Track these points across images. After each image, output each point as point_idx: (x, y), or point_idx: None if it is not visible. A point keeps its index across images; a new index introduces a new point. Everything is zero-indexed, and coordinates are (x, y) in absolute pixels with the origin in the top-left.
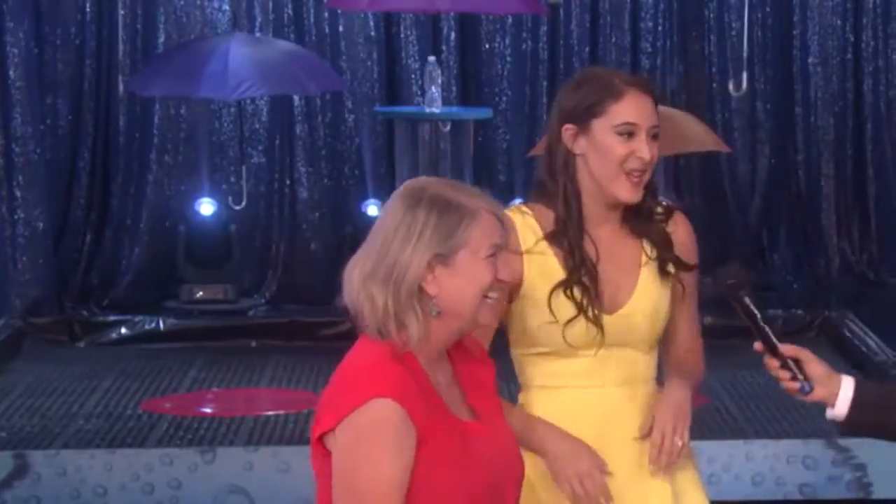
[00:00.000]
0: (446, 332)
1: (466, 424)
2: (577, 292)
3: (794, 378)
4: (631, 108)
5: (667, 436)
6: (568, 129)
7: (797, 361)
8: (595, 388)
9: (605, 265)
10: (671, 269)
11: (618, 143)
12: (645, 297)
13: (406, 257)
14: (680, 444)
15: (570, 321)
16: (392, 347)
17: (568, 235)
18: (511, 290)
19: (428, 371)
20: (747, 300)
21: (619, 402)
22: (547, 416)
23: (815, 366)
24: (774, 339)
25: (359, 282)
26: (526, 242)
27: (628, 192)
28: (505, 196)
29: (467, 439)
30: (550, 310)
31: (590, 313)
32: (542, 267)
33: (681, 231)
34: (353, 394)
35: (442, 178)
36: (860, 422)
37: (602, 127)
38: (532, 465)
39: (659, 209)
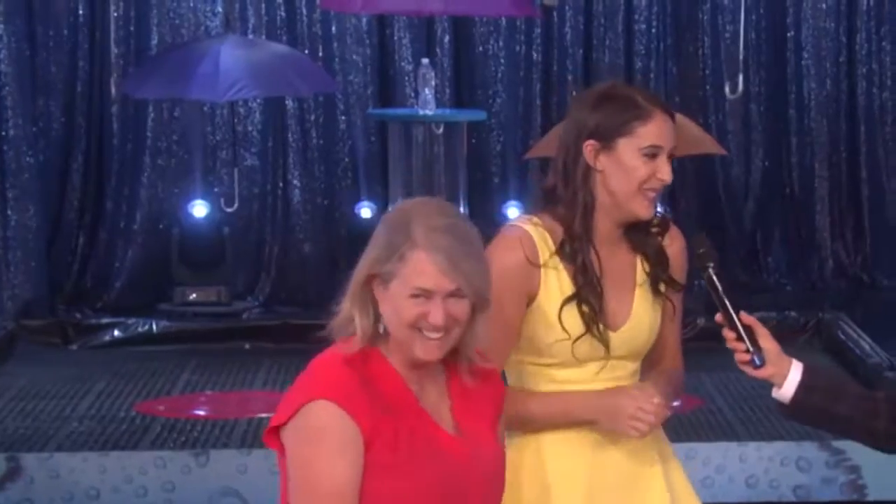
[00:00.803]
0: (403, 349)
1: (438, 432)
2: (585, 308)
3: (747, 350)
4: (657, 131)
5: (655, 393)
6: (590, 146)
7: (752, 334)
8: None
9: (606, 282)
10: (662, 288)
11: (642, 164)
12: (641, 314)
13: (360, 261)
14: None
15: (578, 338)
16: (353, 349)
17: (580, 251)
18: (529, 300)
19: (406, 375)
20: (711, 270)
21: None
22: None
23: (768, 342)
24: (732, 311)
25: None
26: (542, 255)
27: (645, 210)
28: (498, 198)
29: (433, 447)
30: (562, 325)
31: (595, 330)
32: (556, 282)
33: (675, 246)
34: (300, 394)
35: (444, 202)
36: (805, 405)
37: (628, 147)
38: (531, 482)
39: (654, 220)
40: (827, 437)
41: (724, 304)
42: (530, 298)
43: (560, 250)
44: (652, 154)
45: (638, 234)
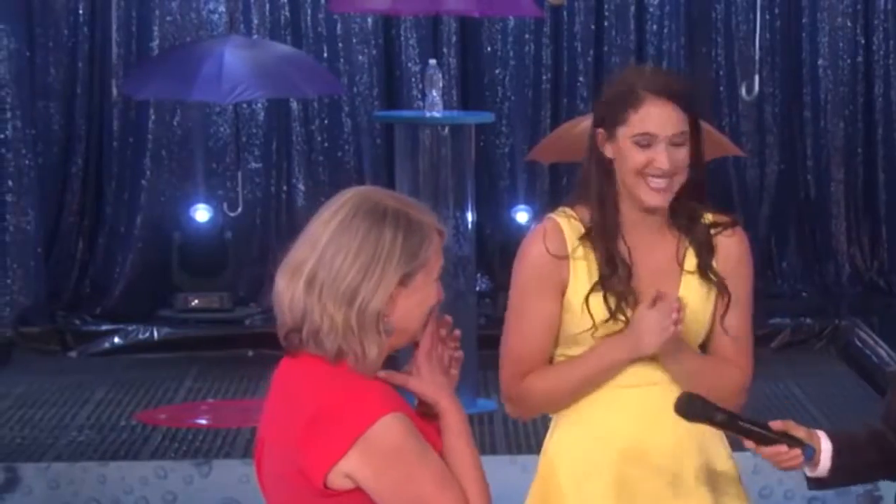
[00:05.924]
0: (387, 350)
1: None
2: (610, 297)
3: (799, 453)
4: (648, 118)
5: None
6: (599, 134)
7: (788, 435)
8: (632, 388)
9: (642, 270)
10: (712, 276)
11: (636, 152)
12: (685, 304)
13: (374, 282)
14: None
15: (600, 324)
16: (344, 367)
17: (603, 239)
18: (562, 292)
19: None
20: (720, 417)
21: (657, 403)
22: (585, 416)
23: (799, 430)
24: (763, 430)
25: (310, 294)
26: (571, 245)
27: (651, 198)
28: (507, 201)
29: (432, 438)
30: (589, 313)
31: (621, 318)
32: (585, 271)
33: (734, 241)
34: (354, 415)
35: (389, 190)
36: (844, 468)
37: (623, 135)
38: (557, 451)
39: (723, 219)
40: None
41: (752, 432)
42: (563, 291)
43: (585, 239)
44: (645, 143)
45: (682, 223)
